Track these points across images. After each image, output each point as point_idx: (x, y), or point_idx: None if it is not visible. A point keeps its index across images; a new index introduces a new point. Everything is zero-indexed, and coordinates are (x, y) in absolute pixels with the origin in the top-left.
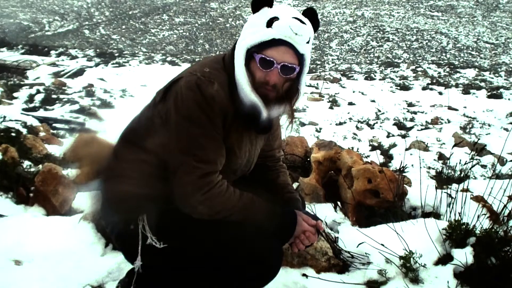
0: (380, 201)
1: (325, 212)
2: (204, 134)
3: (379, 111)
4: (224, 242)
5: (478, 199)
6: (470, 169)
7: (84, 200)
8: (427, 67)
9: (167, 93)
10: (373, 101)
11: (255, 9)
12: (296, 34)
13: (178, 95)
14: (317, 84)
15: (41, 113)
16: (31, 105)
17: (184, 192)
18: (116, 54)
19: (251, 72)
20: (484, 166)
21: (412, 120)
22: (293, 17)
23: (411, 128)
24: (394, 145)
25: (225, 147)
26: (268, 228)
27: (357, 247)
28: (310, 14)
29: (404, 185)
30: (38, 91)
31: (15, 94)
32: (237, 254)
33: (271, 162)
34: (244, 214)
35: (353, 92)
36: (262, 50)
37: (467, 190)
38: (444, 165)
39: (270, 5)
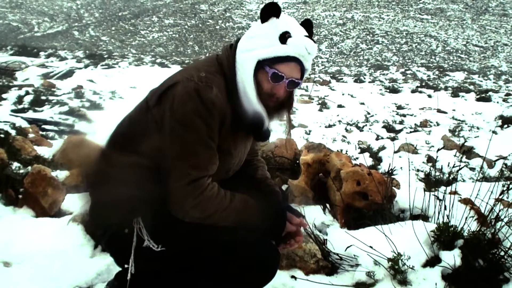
0: (369, 204)
1: (314, 214)
2: (199, 141)
3: (369, 113)
4: (223, 244)
5: (466, 201)
6: (457, 171)
7: (73, 201)
8: (417, 70)
9: (162, 97)
10: (363, 103)
11: (264, 19)
12: (309, 53)
13: (175, 101)
14: (307, 86)
15: (30, 114)
16: (20, 107)
17: (176, 197)
18: (106, 56)
19: (257, 82)
20: (472, 169)
21: (401, 122)
22: (305, 36)
23: (400, 130)
24: (383, 148)
25: (222, 148)
26: (259, 228)
27: (346, 250)
28: (307, 25)
29: (393, 187)
30: (27, 93)
31: (3, 95)
32: (236, 256)
33: (249, 156)
34: (236, 216)
35: (343, 94)
36: (274, 64)
37: (455, 192)
38: (432, 168)
39: (278, 15)
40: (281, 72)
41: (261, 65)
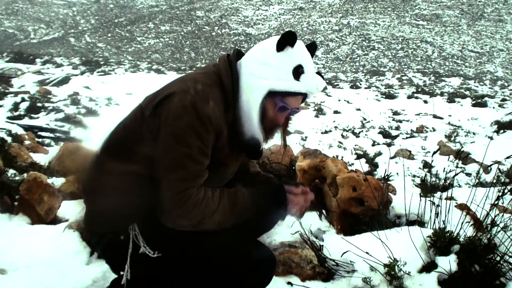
0: (365, 209)
1: (310, 220)
2: (190, 155)
3: (365, 119)
4: (219, 250)
5: (462, 207)
6: (454, 177)
7: (69, 208)
8: (413, 76)
9: (157, 108)
10: (359, 109)
11: (280, 48)
12: (317, 91)
13: (171, 113)
14: None
15: (26, 121)
16: (16, 113)
17: (163, 207)
18: (102, 62)
19: (262, 107)
20: (468, 174)
21: (397, 128)
22: (316, 73)
23: (396, 136)
24: (379, 154)
25: (217, 160)
26: (262, 214)
27: (342, 256)
28: (312, 48)
29: (389, 193)
30: (23, 99)
31: None
32: (232, 262)
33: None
34: (230, 214)
35: (339, 100)
36: (284, 98)
37: (451, 198)
38: (428, 173)
39: (293, 45)
40: (288, 105)
41: (271, 95)
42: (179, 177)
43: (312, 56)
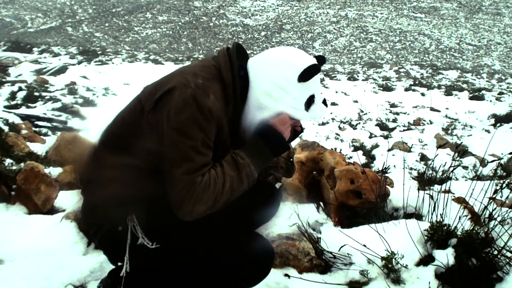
0: (363, 202)
1: (308, 212)
2: (195, 147)
3: (362, 111)
4: (217, 241)
5: (460, 200)
6: (452, 171)
7: (67, 198)
8: (410, 68)
9: (158, 103)
10: (356, 101)
11: (305, 80)
12: (320, 118)
13: (172, 108)
14: None
15: (23, 110)
16: (13, 103)
17: (176, 204)
18: (99, 52)
19: None
20: (465, 168)
21: (394, 121)
22: (322, 102)
23: (394, 129)
24: (376, 146)
25: (219, 154)
26: (264, 158)
27: (339, 248)
28: (321, 61)
29: (387, 186)
30: (20, 89)
31: None
32: (231, 253)
33: None
34: (238, 181)
35: (336, 92)
36: (292, 120)
37: (448, 191)
38: (426, 166)
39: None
40: (291, 125)
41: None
42: (185, 171)
43: (320, 65)
